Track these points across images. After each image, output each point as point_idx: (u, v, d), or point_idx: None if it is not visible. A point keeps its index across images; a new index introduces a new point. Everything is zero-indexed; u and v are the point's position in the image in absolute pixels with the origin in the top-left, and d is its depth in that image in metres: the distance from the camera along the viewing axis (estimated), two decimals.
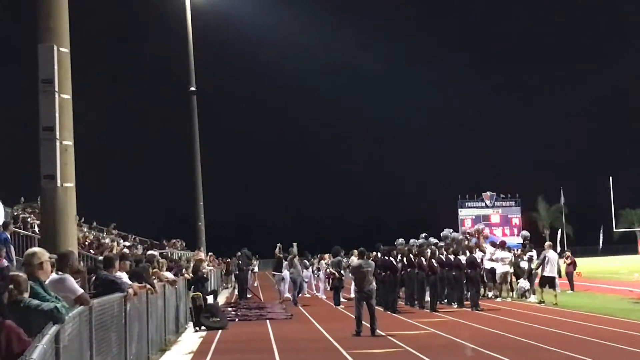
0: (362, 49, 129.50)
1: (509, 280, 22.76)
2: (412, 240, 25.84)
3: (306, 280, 27.46)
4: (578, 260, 29.11)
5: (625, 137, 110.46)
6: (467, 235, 26.33)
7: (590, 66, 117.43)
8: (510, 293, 22.89)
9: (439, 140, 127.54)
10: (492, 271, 22.44)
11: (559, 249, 58.71)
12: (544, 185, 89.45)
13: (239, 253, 30.09)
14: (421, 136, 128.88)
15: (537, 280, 21.35)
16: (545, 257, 20.71)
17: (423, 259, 20.73)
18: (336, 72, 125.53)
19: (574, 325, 15.23)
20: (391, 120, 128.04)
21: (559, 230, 52.95)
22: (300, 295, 25.06)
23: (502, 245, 23.58)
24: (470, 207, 68.85)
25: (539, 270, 20.97)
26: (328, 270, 25.27)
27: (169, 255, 24.08)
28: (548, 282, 20.55)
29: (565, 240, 72.20)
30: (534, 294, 21.42)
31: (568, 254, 27.88)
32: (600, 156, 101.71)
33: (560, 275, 25.98)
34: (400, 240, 25.69)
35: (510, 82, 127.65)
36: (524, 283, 22.39)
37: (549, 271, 20.59)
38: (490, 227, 59.61)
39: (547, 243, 21.85)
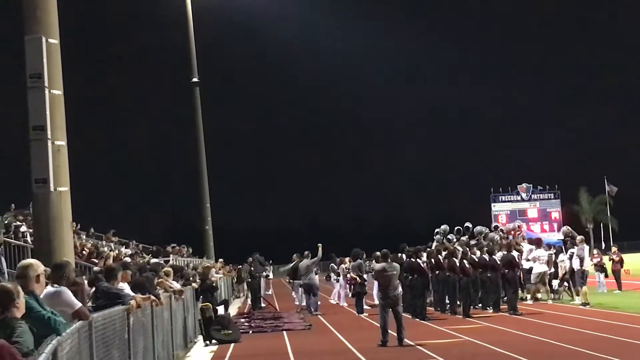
0: (383, 36, 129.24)
1: (546, 281, 22.69)
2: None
3: (335, 286, 28.42)
4: (625, 256, 28.93)
5: None
6: (501, 233, 26.28)
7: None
8: (551, 295, 22.79)
9: (468, 128, 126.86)
10: (531, 271, 22.40)
11: (603, 244, 58.57)
12: (586, 174, 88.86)
13: (251, 259, 30.15)
14: (446, 124, 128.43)
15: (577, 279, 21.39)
16: (582, 253, 20.85)
17: (455, 259, 20.66)
18: (354, 63, 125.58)
19: (624, 329, 15.10)
20: (413, 107, 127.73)
21: (601, 224, 52.61)
22: (320, 303, 25.12)
23: (538, 243, 23.49)
24: (505, 201, 68.45)
25: (583, 267, 20.96)
26: (349, 275, 25.28)
27: (175, 262, 24.15)
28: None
29: (611, 234, 71.81)
30: (577, 295, 21.33)
31: (615, 249, 27.75)
32: None
33: (607, 275, 25.97)
34: (444, 227, 26.15)
35: (547, 67, 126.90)
36: (556, 286, 22.53)
37: (586, 265, 21.14)
38: (527, 222, 59.26)
39: (580, 237, 21.87)
